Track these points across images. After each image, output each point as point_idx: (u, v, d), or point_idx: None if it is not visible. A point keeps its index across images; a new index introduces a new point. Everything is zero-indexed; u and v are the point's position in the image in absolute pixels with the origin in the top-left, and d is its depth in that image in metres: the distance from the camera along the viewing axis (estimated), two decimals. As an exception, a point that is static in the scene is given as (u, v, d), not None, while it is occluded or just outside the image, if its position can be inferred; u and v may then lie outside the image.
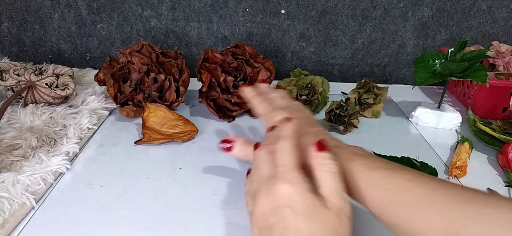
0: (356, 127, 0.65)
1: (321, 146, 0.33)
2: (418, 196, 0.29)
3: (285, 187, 0.30)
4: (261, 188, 0.32)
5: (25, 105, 0.65)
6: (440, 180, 0.30)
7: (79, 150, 0.56)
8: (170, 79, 0.65)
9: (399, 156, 0.56)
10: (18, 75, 0.64)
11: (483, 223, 0.25)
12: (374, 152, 0.57)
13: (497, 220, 0.25)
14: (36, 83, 0.64)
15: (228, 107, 0.66)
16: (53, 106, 0.65)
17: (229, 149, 0.41)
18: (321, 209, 0.29)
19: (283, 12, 0.84)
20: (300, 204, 0.29)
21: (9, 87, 0.64)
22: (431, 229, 0.27)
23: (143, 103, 0.61)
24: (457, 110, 0.70)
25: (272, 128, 0.40)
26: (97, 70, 0.68)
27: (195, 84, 0.71)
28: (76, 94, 0.70)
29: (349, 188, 0.33)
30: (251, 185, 0.35)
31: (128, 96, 0.64)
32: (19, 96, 0.65)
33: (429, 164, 0.54)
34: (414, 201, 0.29)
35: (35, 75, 0.65)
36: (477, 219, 0.26)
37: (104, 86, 0.68)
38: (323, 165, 0.32)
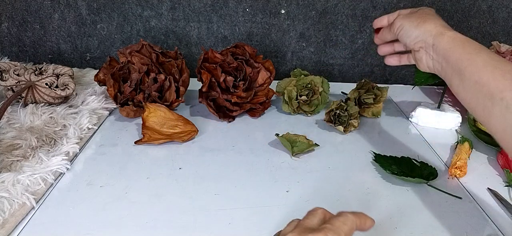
0: (356, 127, 0.65)
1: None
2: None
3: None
4: (295, 230, 0.30)
5: (25, 105, 0.65)
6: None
7: (79, 150, 0.56)
8: (170, 79, 0.65)
9: (399, 156, 0.56)
10: (18, 75, 0.64)
11: None
12: (374, 153, 0.57)
13: None
14: (36, 83, 0.64)
15: (228, 107, 0.66)
16: (53, 106, 0.65)
17: None
18: None
19: (283, 12, 0.84)
20: None
21: (9, 87, 0.64)
22: None
23: (143, 103, 0.61)
24: (457, 110, 0.70)
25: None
26: (97, 70, 0.68)
27: (195, 84, 0.71)
28: (76, 94, 0.70)
29: None
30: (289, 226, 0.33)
31: (128, 96, 0.64)
32: (19, 96, 0.65)
33: (429, 164, 0.54)
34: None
35: (35, 75, 0.65)
36: None
37: (104, 86, 0.68)
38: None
